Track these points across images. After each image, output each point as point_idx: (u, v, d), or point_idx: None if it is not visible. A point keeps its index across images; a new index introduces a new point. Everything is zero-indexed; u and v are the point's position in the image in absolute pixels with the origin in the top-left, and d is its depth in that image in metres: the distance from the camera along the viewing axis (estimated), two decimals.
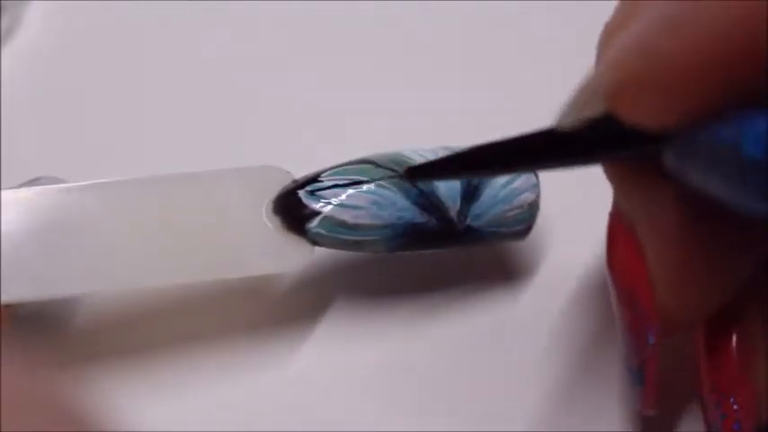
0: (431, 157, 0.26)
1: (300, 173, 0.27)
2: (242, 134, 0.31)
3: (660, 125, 0.19)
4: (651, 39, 0.19)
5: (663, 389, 0.24)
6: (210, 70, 0.32)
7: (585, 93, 0.21)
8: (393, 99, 0.32)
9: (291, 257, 0.26)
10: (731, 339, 0.23)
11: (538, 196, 0.27)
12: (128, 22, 0.33)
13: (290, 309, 0.28)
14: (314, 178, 0.26)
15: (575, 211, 0.28)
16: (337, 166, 0.27)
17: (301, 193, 0.26)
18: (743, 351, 0.23)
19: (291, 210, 0.26)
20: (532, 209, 0.27)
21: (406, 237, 0.26)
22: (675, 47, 0.19)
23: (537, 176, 0.27)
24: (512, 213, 0.27)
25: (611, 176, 0.23)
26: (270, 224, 0.26)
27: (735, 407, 0.23)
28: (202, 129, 0.31)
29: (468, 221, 0.26)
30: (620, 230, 0.23)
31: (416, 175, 0.24)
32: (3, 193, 0.25)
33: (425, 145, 0.27)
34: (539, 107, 0.31)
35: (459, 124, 0.31)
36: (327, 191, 0.26)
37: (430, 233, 0.26)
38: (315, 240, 0.26)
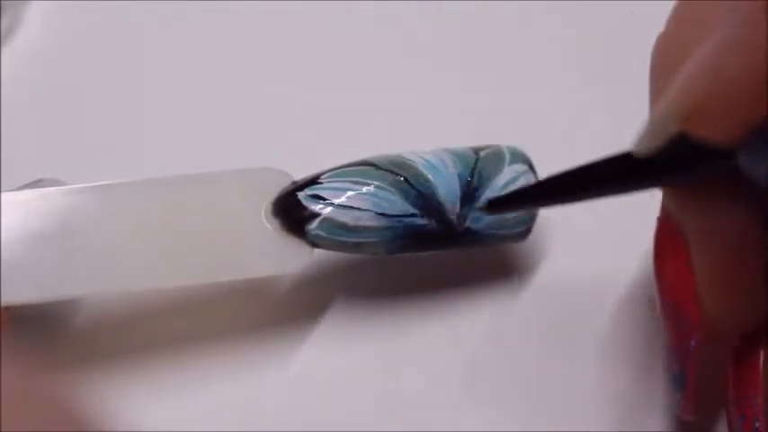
0: (431, 159, 0.26)
1: (300, 174, 0.27)
2: (242, 135, 0.31)
3: (732, 140, 0.21)
4: (723, 61, 0.20)
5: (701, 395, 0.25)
6: (210, 71, 0.32)
7: (660, 117, 0.22)
8: (393, 100, 0.32)
9: (291, 259, 0.26)
10: (759, 350, 0.24)
11: None
12: (128, 23, 0.33)
13: (290, 309, 0.28)
14: (313, 180, 0.26)
15: (574, 210, 0.28)
16: (337, 168, 0.26)
17: (301, 194, 0.26)
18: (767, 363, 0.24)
19: (291, 211, 0.26)
20: (531, 211, 0.27)
21: (406, 239, 0.26)
22: (744, 70, 0.20)
23: (535, 175, 0.27)
24: (511, 215, 0.27)
25: (670, 190, 0.24)
26: (269, 226, 0.26)
27: (755, 409, 0.24)
28: (202, 130, 0.31)
29: (468, 223, 0.26)
30: (667, 240, 0.24)
31: (498, 207, 0.25)
32: (3, 195, 0.25)
33: (425, 146, 0.27)
34: (538, 107, 0.31)
35: (459, 124, 0.31)
36: (327, 193, 0.26)
37: (429, 235, 0.26)
38: (314, 242, 0.26)
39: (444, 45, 0.33)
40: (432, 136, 0.28)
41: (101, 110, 0.32)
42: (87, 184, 0.26)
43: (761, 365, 0.24)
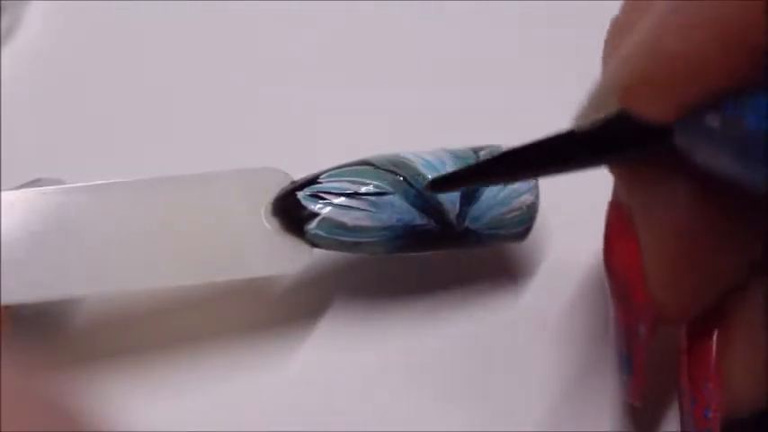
0: (430, 159, 0.26)
1: (299, 174, 0.27)
2: (241, 135, 0.31)
3: (671, 117, 0.21)
4: (660, 38, 0.20)
5: (652, 383, 0.25)
6: (210, 70, 0.32)
7: (600, 93, 0.22)
8: (393, 100, 0.32)
9: (290, 259, 0.26)
10: (712, 336, 0.24)
11: (537, 197, 0.27)
12: (128, 23, 0.33)
13: (290, 309, 0.28)
14: (313, 180, 0.26)
15: (573, 210, 0.28)
16: (336, 168, 0.26)
17: (300, 194, 0.26)
18: (721, 348, 0.24)
19: (290, 211, 0.26)
20: (531, 210, 0.27)
21: (405, 239, 0.26)
22: (683, 46, 0.20)
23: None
24: (510, 215, 0.27)
25: (616, 170, 0.24)
26: (269, 225, 0.26)
27: (706, 394, 0.24)
28: (202, 129, 0.31)
29: (467, 223, 0.26)
30: (617, 223, 0.24)
31: (438, 187, 0.24)
32: (2, 194, 0.25)
33: (425, 146, 0.27)
34: (538, 107, 0.31)
35: (458, 124, 0.31)
36: (326, 192, 0.26)
37: (429, 235, 0.26)
38: (313, 242, 0.26)
39: (444, 45, 0.33)
40: (432, 136, 0.28)
41: (101, 110, 0.32)
42: (87, 183, 0.26)
43: (713, 350, 0.24)
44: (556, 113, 0.31)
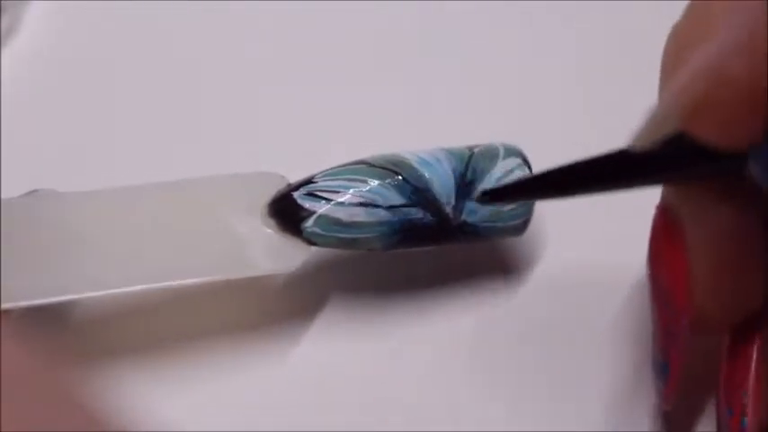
0: (425, 156, 0.26)
1: (298, 176, 0.27)
2: (238, 140, 0.31)
3: (731, 144, 0.21)
4: (725, 63, 0.20)
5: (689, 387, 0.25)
6: (210, 71, 0.32)
7: (660, 114, 0.22)
8: (392, 100, 0.32)
9: (288, 257, 0.26)
10: (753, 343, 0.24)
11: None
12: (128, 23, 0.33)
13: (287, 305, 0.28)
14: (308, 181, 0.27)
15: (572, 206, 0.28)
16: (331, 169, 0.27)
17: (296, 194, 0.26)
18: (762, 356, 0.24)
19: (287, 211, 0.26)
20: (528, 203, 0.27)
21: (402, 233, 0.26)
22: (748, 72, 0.20)
23: (530, 168, 0.27)
24: (507, 208, 0.27)
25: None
26: (266, 226, 0.26)
27: (744, 405, 0.24)
28: (202, 129, 0.31)
29: (464, 216, 0.26)
30: (664, 226, 0.24)
31: (493, 198, 0.25)
32: (3, 200, 0.26)
33: (424, 146, 0.27)
34: (538, 108, 0.31)
35: (458, 124, 0.31)
36: (322, 191, 0.26)
37: (425, 229, 0.26)
38: (311, 240, 0.26)
39: (444, 45, 0.33)
40: (431, 136, 0.28)
41: (101, 110, 0.32)
42: (88, 190, 0.26)
43: (753, 360, 0.24)
44: (556, 114, 0.31)
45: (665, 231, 0.24)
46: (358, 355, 0.28)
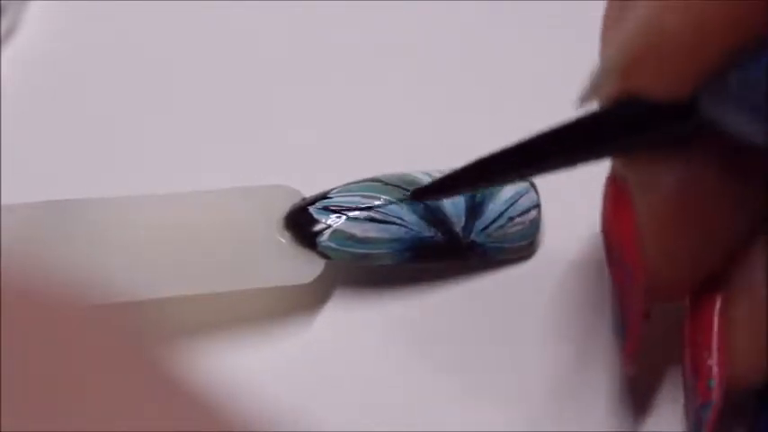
0: (438, 176, 0.27)
1: (309, 189, 0.28)
2: (253, 154, 0.31)
3: (674, 92, 0.21)
4: (657, 16, 0.21)
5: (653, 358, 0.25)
6: (210, 71, 0.32)
7: (601, 70, 0.22)
8: (403, 120, 0.31)
9: (302, 270, 0.27)
10: (715, 304, 0.24)
11: (539, 213, 0.28)
12: (128, 23, 0.33)
13: (287, 304, 0.28)
14: (323, 195, 0.27)
15: (570, 200, 0.29)
16: (346, 185, 0.28)
17: (312, 208, 0.27)
18: (724, 316, 0.24)
19: (302, 225, 0.27)
20: (534, 225, 0.28)
21: (413, 251, 0.27)
22: (681, 21, 0.21)
23: (537, 193, 0.28)
24: (514, 229, 0.28)
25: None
26: (282, 239, 0.27)
27: (711, 367, 0.24)
28: (200, 128, 0.31)
29: (473, 236, 0.27)
30: (614, 193, 0.24)
31: (423, 195, 0.25)
32: (3, 206, 0.26)
33: (432, 151, 0.28)
34: (539, 108, 0.31)
35: (461, 124, 0.31)
36: (337, 206, 0.27)
37: (436, 247, 0.27)
38: (325, 254, 0.27)
39: (446, 49, 0.33)
40: (442, 155, 0.28)
41: (101, 110, 0.32)
42: (105, 197, 0.27)
43: (715, 322, 0.24)
44: (556, 115, 0.31)
45: (614, 196, 0.24)
46: (358, 351, 0.28)
